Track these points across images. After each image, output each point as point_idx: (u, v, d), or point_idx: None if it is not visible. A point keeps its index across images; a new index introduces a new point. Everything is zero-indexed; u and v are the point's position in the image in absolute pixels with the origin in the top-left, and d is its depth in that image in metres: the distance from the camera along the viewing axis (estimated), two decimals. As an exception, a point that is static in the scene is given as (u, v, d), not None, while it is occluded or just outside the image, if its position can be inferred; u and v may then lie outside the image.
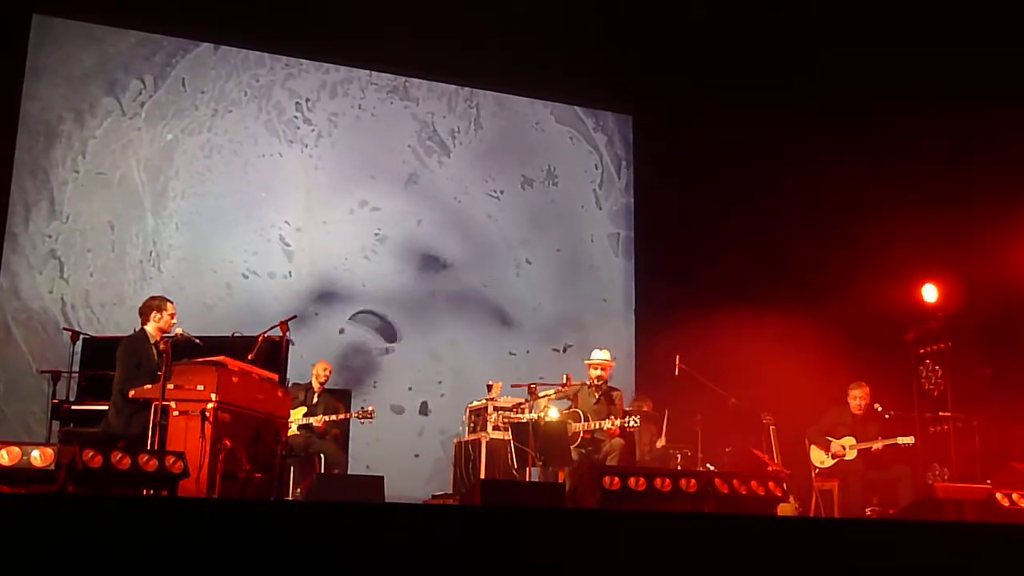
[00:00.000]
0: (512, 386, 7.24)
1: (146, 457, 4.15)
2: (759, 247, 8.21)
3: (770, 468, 6.19)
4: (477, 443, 7.15)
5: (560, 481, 6.03)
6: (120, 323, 7.87)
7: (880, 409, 6.50)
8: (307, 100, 9.25)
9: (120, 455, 4.05)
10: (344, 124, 9.36)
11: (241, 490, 4.84)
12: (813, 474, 6.57)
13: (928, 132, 7.28)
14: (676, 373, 7.05)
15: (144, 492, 4.25)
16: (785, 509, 5.59)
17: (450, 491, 7.47)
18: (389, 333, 9.17)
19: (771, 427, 6.80)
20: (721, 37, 8.55)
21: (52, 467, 3.84)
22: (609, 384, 6.63)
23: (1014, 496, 5.02)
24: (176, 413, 4.82)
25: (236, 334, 6.85)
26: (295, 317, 6.34)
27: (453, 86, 9.73)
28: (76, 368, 6.78)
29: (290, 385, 6.97)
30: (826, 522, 5.37)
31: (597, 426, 6.25)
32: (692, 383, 7.08)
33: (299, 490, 6.59)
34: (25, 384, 7.88)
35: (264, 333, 6.02)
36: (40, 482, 3.84)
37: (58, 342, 7.78)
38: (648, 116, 10.13)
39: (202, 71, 8.93)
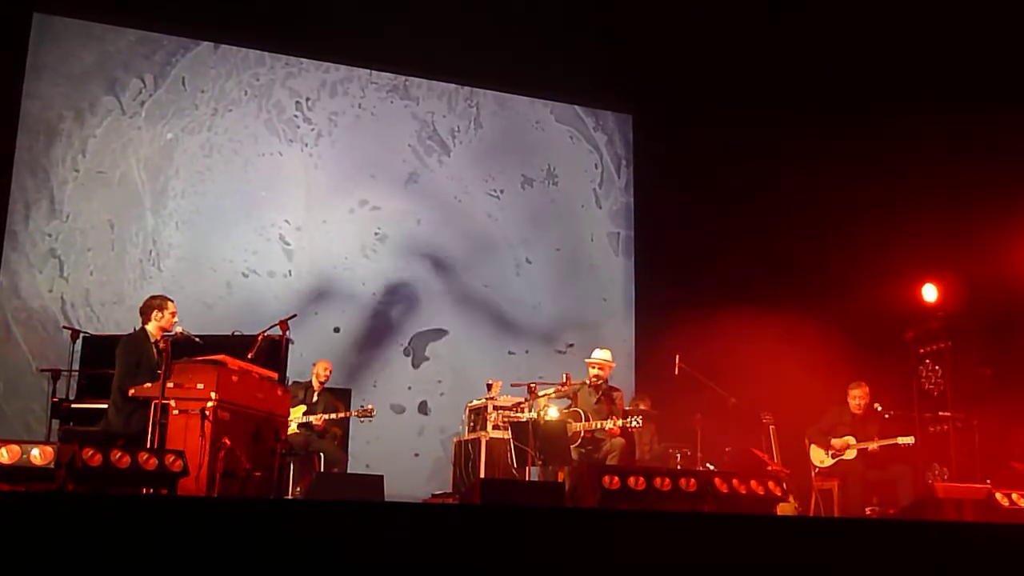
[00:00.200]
0: (512, 385, 7.24)
1: (146, 456, 4.15)
2: (759, 246, 8.21)
3: (770, 468, 6.19)
4: (477, 442, 7.16)
5: (560, 480, 6.04)
6: (120, 322, 7.87)
7: (880, 409, 6.50)
8: (307, 99, 9.25)
9: (120, 454, 4.05)
10: (344, 123, 9.36)
11: (241, 489, 4.84)
12: (813, 474, 6.57)
13: (928, 132, 7.28)
14: (676, 372, 7.05)
15: (144, 491, 4.25)
16: (785, 509, 5.59)
17: (450, 490, 7.47)
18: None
19: (771, 427, 6.80)
20: (721, 37, 8.55)
21: (52, 465, 3.84)
22: (609, 384, 6.63)
23: (1014, 496, 5.02)
24: (176, 412, 4.82)
25: (236, 333, 6.86)
26: (295, 316, 6.34)
27: (453, 85, 9.73)
28: (76, 367, 6.78)
29: (290, 384, 6.98)
30: (826, 522, 5.37)
31: (598, 426, 6.24)
32: (692, 382, 7.08)
33: (299, 489, 6.60)
34: (25, 382, 7.88)
35: (264, 332, 6.02)
36: (40, 480, 3.84)
37: (58, 341, 7.78)
38: (648, 115, 10.13)
39: (202, 70, 8.93)
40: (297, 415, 6.90)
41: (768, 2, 8.32)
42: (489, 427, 7.17)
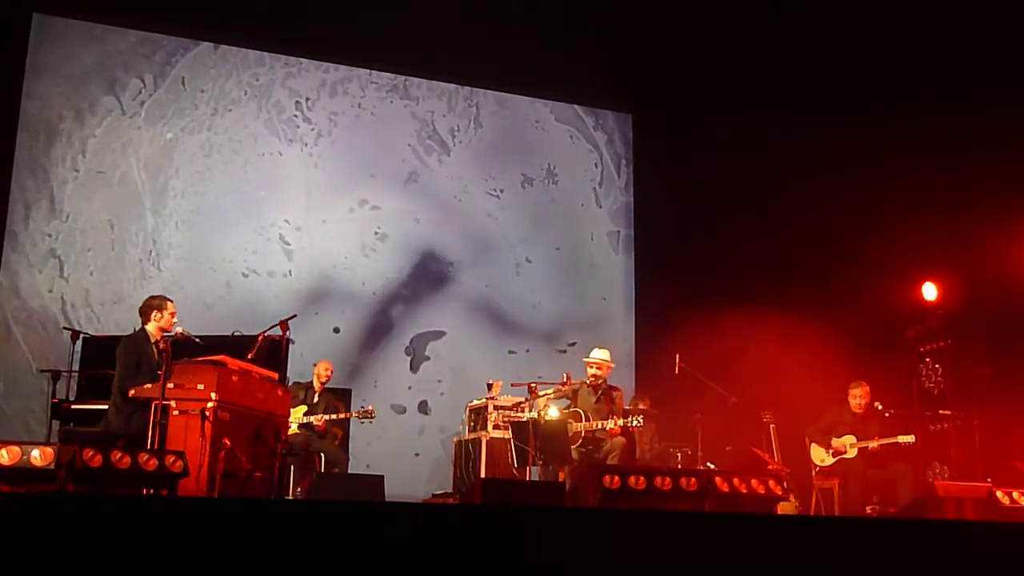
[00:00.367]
0: (512, 385, 7.24)
1: (146, 456, 4.15)
2: (759, 245, 8.21)
3: (770, 467, 6.19)
4: (477, 442, 7.16)
5: (560, 480, 6.04)
6: (120, 322, 7.87)
7: (880, 408, 6.50)
8: (307, 99, 9.25)
9: (120, 454, 4.05)
10: (344, 123, 9.35)
11: (241, 489, 4.83)
12: (813, 473, 6.57)
13: (928, 131, 7.28)
14: (676, 372, 7.05)
15: (144, 491, 4.24)
16: (785, 508, 5.59)
17: (450, 490, 7.47)
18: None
19: (771, 426, 6.80)
20: (721, 36, 8.55)
21: (52, 466, 3.84)
22: (608, 383, 6.62)
23: (1014, 494, 5.02)
24: (176, 412, 4.81)
25: (236, 333, 6.86)
26: (295, 316, 6.34)
27: (453, 85, 9.73)
28: (76, 367, 6.78)
29: (290, 384, 6.98)
30: (826, 521, 5.37)
31: (599, 425, 6.24)
32: (692, 382, 7.08)
33: (299, 489, 6.59)
34: (25, 383, 7.88)
35: (264, 332, 6.02)
36: (40, 481, 3.84)
37: (58, 341, 7.78)
38: (648, 115, 10.13)
39: (202, 70, 8.93)
40: (298, 415, 6.90)
41: (768, 2, 8.32)
42: (489, 427, 7.17)
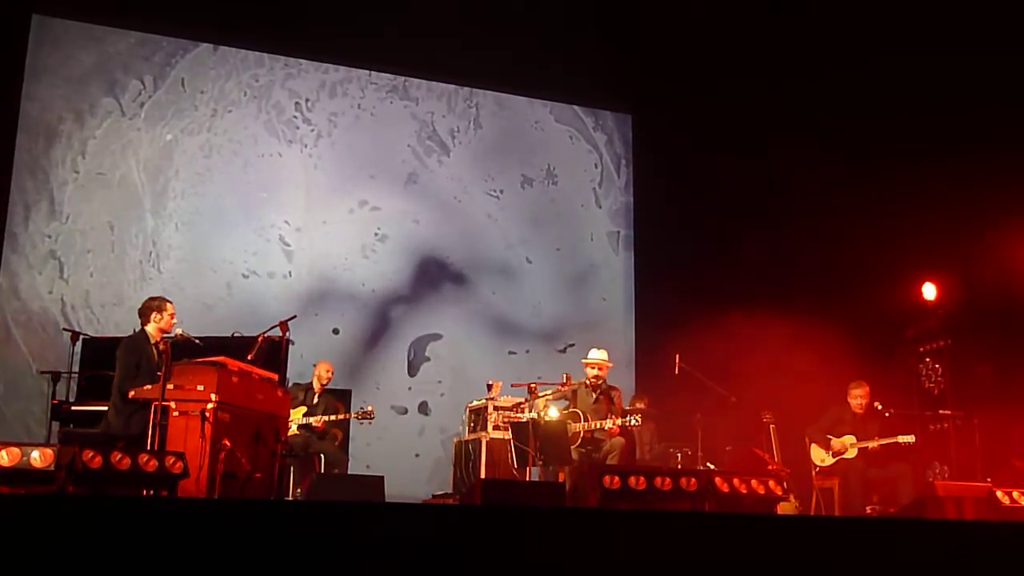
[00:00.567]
0: (512, 385, 7.24)
1: (146, 457, 4.15)
2: (759, 246, 8.20)
3: (770, 467, 6.19)
4: (477, 443, 7.16)
5: (560, 480, 6.04)
6: (120, 323, 7.87)
7: (880, 407, 6.50)
8: (307, 100, 9.25)
9: (120, 455, 4.05)
10: (344, 124, 9.36)
11: (241, 490, 4.83)
12: (813, 473, 6.56)
13: (928, 131, 7.28)
14: (676, 372, 7.05)
15: (144, 492, 4.24)
16: (785, 508, 5.59)
17: (450, 491, 7.47)
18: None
19: (771, 426, 6.80)
20: (720, 36, 8.55)
21: (52, 468, 3.84)
22: (608, 383, 6.62)
23: (1014, 494, 5.02)
24: (176, 413, 4.81)
25: (236, 334, 6.86)
26: (295, 317, 6.34)
27: (452, 86, 9.73)
28: (76, 369, 6.78)
29: (290, 385, 6.97)
30: (826, 521, 5.37)
31: (597, 426, 6.24)
32: (692, 382, 7.08)
33: (299, 490, 6.59)
34: (25, 384, 7.88)
35: (264, 333, 6.01)
36: (40, 483, 3.84)
37: (58, 342, 7.78)
38: (647, 115, 10.13)
39: (201, 71, 8.93)
40: (297, 416, 6.89)
41: (768, 1, 8.32)
42: (489, 427, 7.17)
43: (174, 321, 5.54)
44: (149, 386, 5.07)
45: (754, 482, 4.74)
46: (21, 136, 8.26)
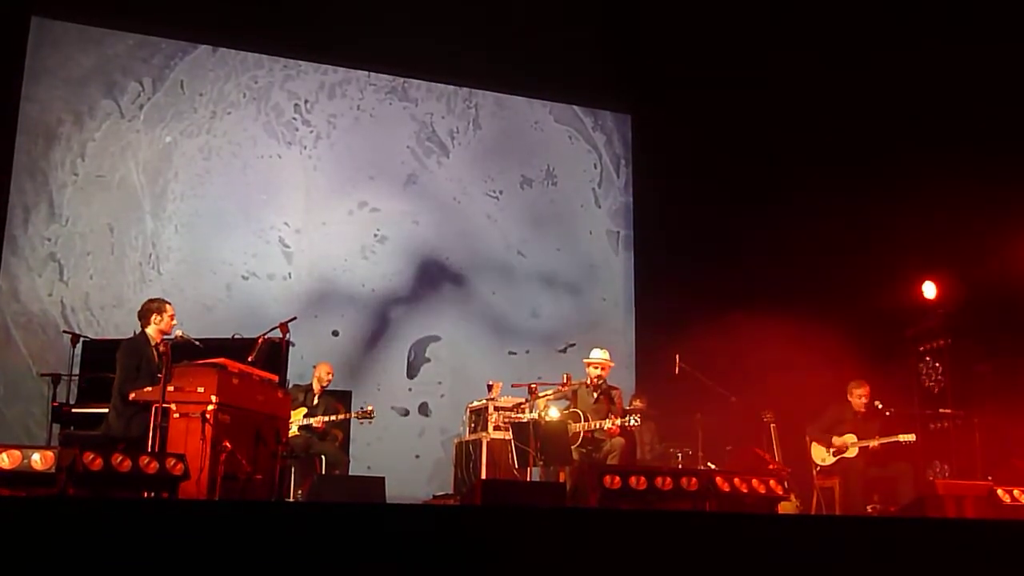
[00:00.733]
0: (512, 386, 7.24)
1: (146, 459, 4.14)
2: (758, 245, 8.21)
3: (771, 466, 6.19)
4: (478, 443, 7.16)
5: (561, 481, 6.04)
6: (120, 325, 7.87)
7: (880, 406, 6.50)
8: (306, 101, 9.25)
9: (120, 458, 4.04)
10: (343, 125, 9.36)
11: (242, 492, 4.83)
12: (814, 472, 6.57)
13: (927, 130, 7.29)
14: (676, 372, 7.05)
15: (145, 494, 4.24)
16: (786, 507, 5.58)
17: (451, 491, 7.47)
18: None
19: (772, 425, 6.80)
20: (720, 35, 8.55)
21: (52, 470, 3.84)
22: (608, 383, 6.62)
23: (1015, 492, 5.02)
24: (176, 415, 4.81)
25: (236, 336, 6.86)
26: (295, 319, 6.33)
27: (452, 86, 9.73)
28: (76, 371, 6.78)
29: (290, 387, 6.97)
30: (827, 520, 5.37)
31: (597, 426, 6.24)
32: (692, 382, 7.08)
33: (300, 491, 6.59)
34: (25, 387, 7.88)
35: (264, 335, 6.01)
36: (40, 485, 3.83)
37: (58, 345, 7.78)
38: (647, 115, 10.14)
39: (200, 73, 8.94)
40: (298, 418, 6.89)
41: (767, 1, 8.33)
42: (490, 428, 7.16)
43: (174, 323, 5.53)
44: (149, 388, 5.06)
45: (755, 481, 4.74)
46: (20, 138, 8.26)
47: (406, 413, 9.03)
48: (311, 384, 7.21)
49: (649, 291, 9.78)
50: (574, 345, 9.46)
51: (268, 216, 8.95)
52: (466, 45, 8.98)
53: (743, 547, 3.47)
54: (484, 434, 7.15)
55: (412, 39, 8.87)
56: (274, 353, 6.05)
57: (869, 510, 6.22)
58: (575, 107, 10.18)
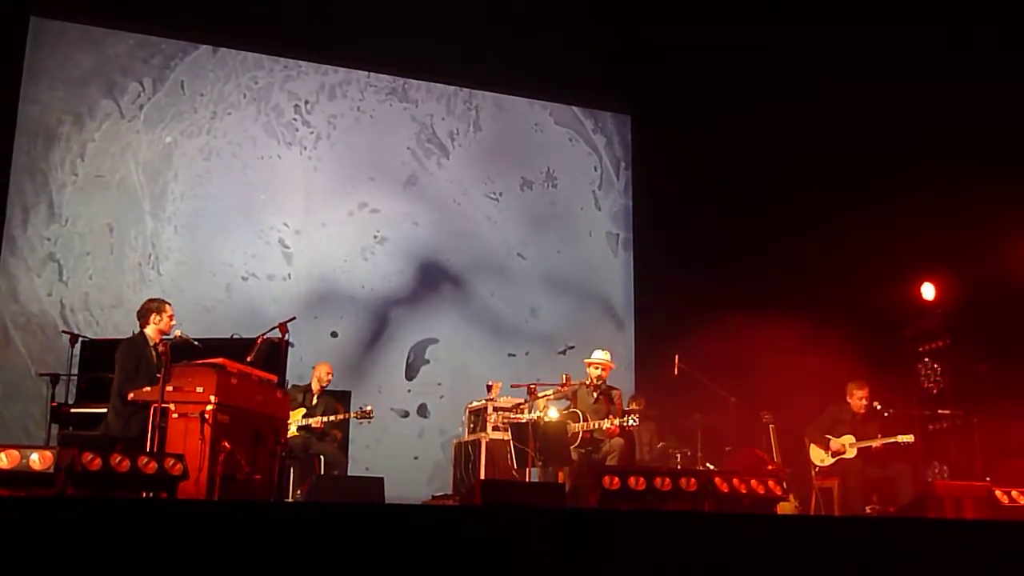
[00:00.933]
0: (512, 386, 7.23)
1: (145, 459, 4.14)
2: (758, 246, 8.22)
3: (770, 467, 6.19)
4: (477, 444, 7.16)
5: (560, 481, 6.04)
6: (119, 325, 7.87)
7: (879, 407, 6.51)
8: (306, 102, 9.26)
9: (119, 458, 4.04)
10: (343, 126, 9.36)
11: (241, 492, 4.83)
12: (813, 472, 6.57)
13: (926, 129, 7.29)
14: (675, 373, 7.05)
15: (144, 494, 4.24)
16: (785, 508, 5.59)
17: (450, 492, 7.47)
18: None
19: (770, 426, 6.81)
20: (719, 37, 8.56)
21: (51, 470, 3.83)
22: (608, 384, 6.63)
23: (1013, 493, 5.03)
24: (175, 415, 4.80)
25: (235, 336, 6.85)
26: (294, 319, 6.33)
27: (452, 87, 9.74)
28: (75, 371, 6.77)
29: (289, 387, 6.96)
30: (826, 520, 5.37)
31: (596, 426, 6.25)
32: (692, 383, 7.08)
33: (299, 492, 6.58)
34: (24, 387, 7.88)
35: (263, 335, 6.01)
36: (39, 485, 3.83)
37: (57, 345, 7.78)
38: (647, 117, 10.14)
39: (201, 73, 8.94)
40: (296, 418, 6.89)
41: (767, 3, 8.33)
42: (489, 428, 7.16)
43: (173, 323, 5.53)
44: (148, 388, 5.06)
45: (753, 482, 4.74)
46: (20, 138, 8.26)
47: (406, 414, 9.03)
48: (310, 384, 7.21)
49: (648, 293, 9.78)
50: (573, 347, 9.46)
51: (268, 217, 8.96)
52: (466, 46, 8.98)
53: (742, 547, 3.47)
54: (483, 435, 7.15)
55: (412, 39, 8.88)
56: (273, 353, 6.05)
57: (868, 511, 6.22)
58: (575, 109, 10.19)
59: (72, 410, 6.30)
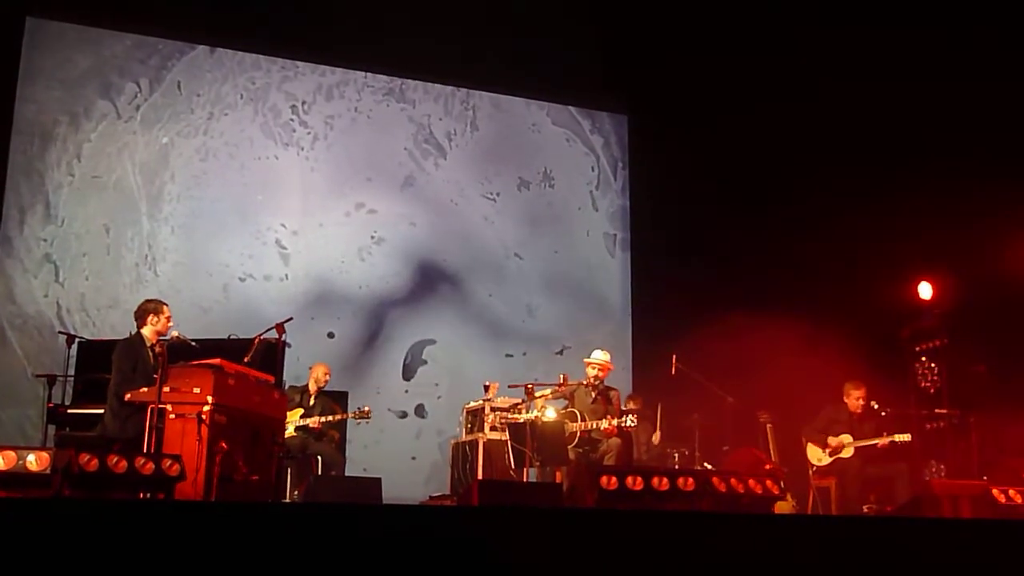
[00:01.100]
0: (509, 387, 7.23)
1: (143, 460, 4.14)
2: (755, 246, 8.22)
3: (767, 466, 6.20)
4: (474, 444, 7.16)
5: (557, 481, 6.04)
6: (115, 326, 7.86)
7: (877, 406, 6.52)
8: (303, 103, 9.25)
9: (116, 458, 4.03)
10: (340, 126, 9.36)
11: (238, 493, 4.83)
12: (810, 472, 6.58)
13: (924, 129, 7.31)
14: (673, 372, 7.06)
15: (141, 495, 4.23)
16: (782, 507, 5.59)
17: (448, 492, 7.46)
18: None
19: (768, 425, 6.82)
20: (717, 37, 8.57)
21: (48, 471, 3.83)
22: (606, 384, 6.63)
23: (1010, 492, 5.04)
24: (172, 416, 4.80)
25: (232, 337, 6.84)
26: (291, 319, 6.33)
27: (449, 88, 9.74)
28: (72, 372, 6.76)
29: (286, 388, 6.96)
30: (823, 520, 5.38)
31: (594, 426, 6.25)
32: (689, 382, 7.09)
33: (297, 492, 6.58)
34: (21, 388, 7.86)
35: (260, 336, 6.00)
36: (36, 486, 3.83)
37: (53, 346, 7.77)
38: (644, 117, 10.15)
39: (198, 74, 8.93)
40: (294, 418, 6.88)
41: (765, 3, 8.34)
42: (486, 428, 7.16)
43: (170, 324, 5.52)
44: (145, 389, 5.06)
45: (751, 482, 4.74)
46: (16, 139, 8.25)
47: (404, 415, 9.02)
48: (307, 385, 7.20)
49: (646, 293, 9.79)
50: (570, 347, 9.46)
51: (265, 217, 8.94)
52: (464, 46, 8.98)
53: (740, 547, 3.48)
54: (481, 435, 7.15)
55: (409, 40, 8.87)
56: (270, 354, 6.05)
57: (865, 510, 6.23)
58: (572, 109, 10.19)
59: (69, 411, 6.29)
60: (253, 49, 9.09)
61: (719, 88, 8.63)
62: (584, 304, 9.85)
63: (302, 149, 9.19)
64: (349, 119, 9.39)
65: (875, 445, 6.31)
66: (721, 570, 3.38)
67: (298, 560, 2.94)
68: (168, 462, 4.22)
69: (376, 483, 5.48)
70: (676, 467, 7.17)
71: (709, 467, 6.91)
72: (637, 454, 7.30)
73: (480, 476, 6.86)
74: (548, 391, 6.56)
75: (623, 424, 6.16)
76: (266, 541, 2.95)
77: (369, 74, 9.49)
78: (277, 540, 2.96)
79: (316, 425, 6.90)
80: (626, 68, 9.43)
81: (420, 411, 9.11)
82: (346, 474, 7.12)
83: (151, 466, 4.14)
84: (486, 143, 9.82)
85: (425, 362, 9.23)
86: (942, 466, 6.95)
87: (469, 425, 7.48)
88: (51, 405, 6.35)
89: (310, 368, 7.33)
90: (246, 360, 5.63)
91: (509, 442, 6.12)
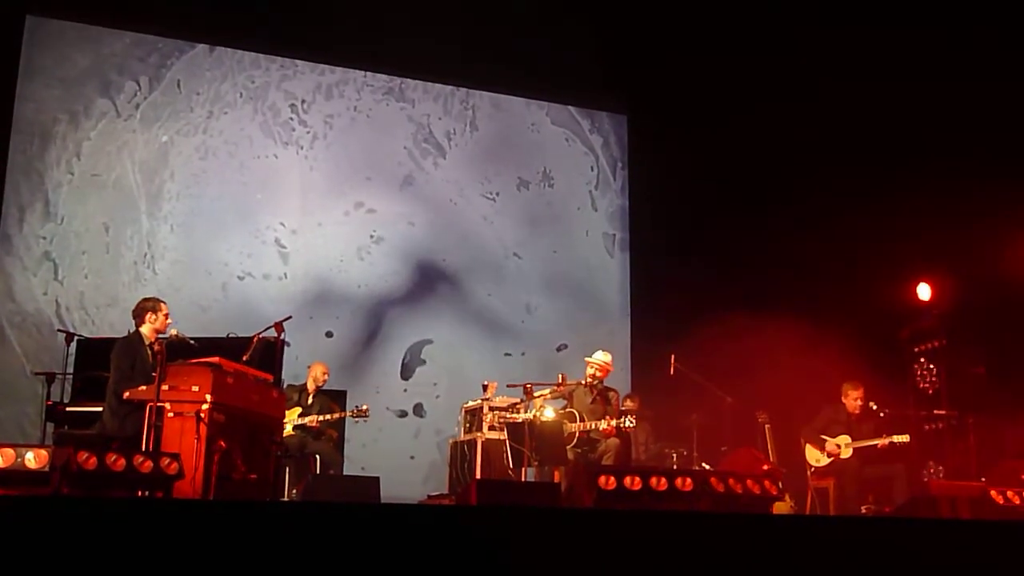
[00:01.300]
0: (508, 386, 7.23)
1: (141, 459, 4.14)
2: (755, 246, 8.23)
3: (765, 467, 6.20)
4: (473, 443, 7.16)
5: (556, 481, 6.04)
6: (114, 324, 7.85)
7: (875, 407, 6.53)
8: (302, 101, 9.25)
9: (115, 457, 4.03)
10: (339, 126, 9.35)
11: (237, 491, 4.83)
12: (809, 472, 6.58)
13: (923, 129, 7.31)
14: (672, 373, 7.06)
15: (139, 494, 4.23)
16: (781, 508, 5.59)
17: (446, 491, 7.47)
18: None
19: (766, 426, 6.82)
20: (717, 37, 8.57)
21: (46, 469, 3.83)
22: (605, 384, 6.63)
23: (1008, 493, 5.04)
24: (171, 414, 4.80)
25: (231, 335, 6.84)
26: (290, 318, 6.33)
27: (449, 87, 9.74)
28: (70, 370, 6.76)
29: (285, 386, 6.96)
30: (822, 520, 5.38)
31: (593, 426, 6.25)
32: (688, 383, 7.09)
33: (295, 491, 6.58)
34: (19, 386, 7.86)
35: (259, 334, 6.00)
36: (34, 484, 3.82)
37: (52, 344, 7.76)
38: (644, 117, 10.15)
39: (197, 72, 8.92)
40: (292, 417, 6.88)
41: (765, 3, 8.34)
42: (485, 428, 7.16)
43: (169, 322, 5.52)
44: (144, 387, 5.06)
45: (749, 482, 4.74)
46: (15, 137, 8.24)
47: (403, 414, 9.02)
48: (306, 384, 7.20)
49: (645, 293, 9.79)
50: (567, 346, 9.46)
51: (264, 216, 8.94)
52: (464, 46, 8.98)
53: (737, 547, 3.48)
54: (479, 434, 7.15)
55: (409, 39, 8.87)
56: (269, 353, 6.06)
57: (863, 511, 6.24)
58: (572, 109, 10.19)
59: (67, 409, 6.28)
60: (253, 48, 9.09)
61: (719, 88, 8.64)
62: (583, 304, 9.85)
63: (301, 148, 9.19)
64: (348, 118, 9.39)
65: (874, 446, 6.31)
66: (719, 570, 3.39)
67: (296, 559, 2.94)
68: (166, 460, 4.22)
69: (374, 482, 5.48)
70: (674, 467, 7.17)
71: (707, 467, 6.92)
72: (635, 454, 7.30)
73: (478, 476, 6.86)
74: (547, 391, 6.56)
75: (622, 425, 6.16)
76: (264, 540, 2.95)
77: (369, 73, 9.49)
78: (275, 539, 2.96)
79: (314, 424, 6.90)
80: (625, 68, 9.43)
81: (419, 410, 9.11)
82: (344, 473, 7.12)
83: (149, 464, 4.14)
84: (485, 143, 9.82)
85: (424, 361, 9.23)
86: (940, 467, 6.96)
87: (467, 425, 7.48)
88: (50, 403, 6.34)
89: (309, 367, 7.33)
90: (245, 359, 5.62)
91: (507, 442, 6.12)
